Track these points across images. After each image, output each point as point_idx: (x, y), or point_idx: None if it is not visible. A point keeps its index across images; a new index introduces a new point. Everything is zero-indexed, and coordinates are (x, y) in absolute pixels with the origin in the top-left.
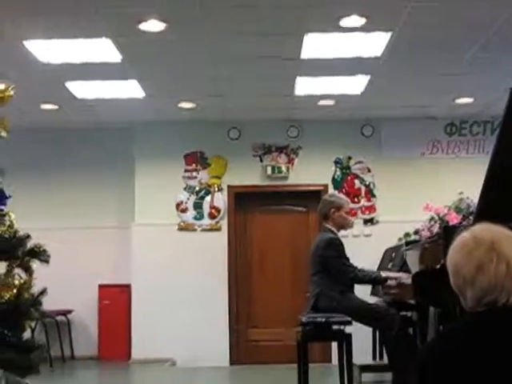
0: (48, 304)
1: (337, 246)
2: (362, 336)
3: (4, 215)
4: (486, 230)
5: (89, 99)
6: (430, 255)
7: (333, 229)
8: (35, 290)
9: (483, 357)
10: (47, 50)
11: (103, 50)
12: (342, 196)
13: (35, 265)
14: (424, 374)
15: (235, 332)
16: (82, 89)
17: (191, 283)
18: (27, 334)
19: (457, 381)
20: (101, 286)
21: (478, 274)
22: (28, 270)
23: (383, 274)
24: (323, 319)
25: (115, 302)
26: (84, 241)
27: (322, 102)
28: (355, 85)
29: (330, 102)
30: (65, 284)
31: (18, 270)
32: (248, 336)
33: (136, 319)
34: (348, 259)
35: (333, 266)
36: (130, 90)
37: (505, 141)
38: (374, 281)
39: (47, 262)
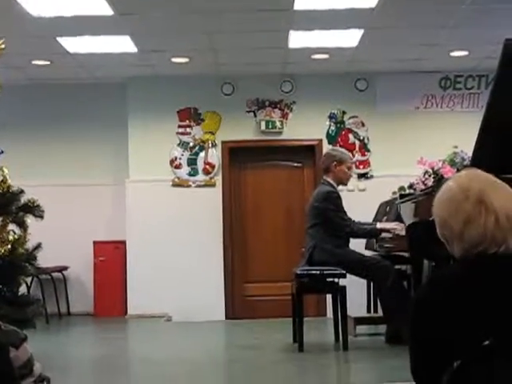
0: (43, 261)
1: (335, 200)
2: (356, 289)
3: None
4: (473, 179)
5: (81, 54)
6: (424, 208)
7: (332, 182)
8: (30, 245)
9: (476, 302)
10: (38, 3)
11: (95, 3)
12: (345, 151)
13: (29, 220)
14: (417, 323)
15: (230, 287)
16: (74, 43)
17: (186, 239)
18: (23, 290)
19: (450, 328)
20: (96, 243)
21: (466, 228)
22: (22, 225)
23: (379, 225)
24: (317, 272)
25: (110, 259)
26: (78, 198)
27: (315, 56)
28: (349, 38)
29: (324, 56)
30: (60, 241)
31: (12, 226)
32: (243, 291)
33: (131, 275)
34: (345, 213)
35: (329, 219)
36: (123, 44)
37: (499, 93)
38: (370, 234)
39: (41, 217)
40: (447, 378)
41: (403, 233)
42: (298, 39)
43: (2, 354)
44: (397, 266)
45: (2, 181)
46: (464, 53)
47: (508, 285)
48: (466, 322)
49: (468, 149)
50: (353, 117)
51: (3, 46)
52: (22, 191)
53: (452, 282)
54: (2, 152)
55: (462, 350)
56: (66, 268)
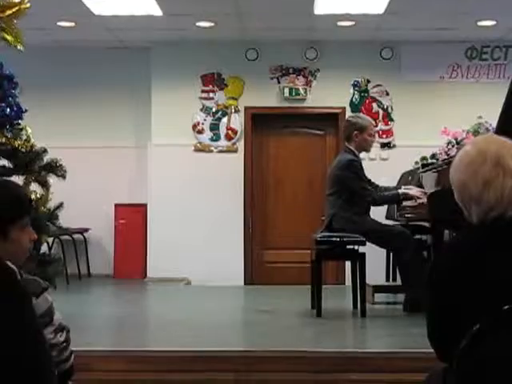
0: (65, 222)
1: (356, 168)
2: (375, 257)
3: (21, 129)
4: (490, 142)
5: (106, 16)
6: (446, 177)
7: (354, 150)
8: (52, 205)
9: (494, 266)
10: None
11: None
12: (366, 117)
13: (52, 180)
14: (435, 288)
15: (250, 253)
16: (99, 5)
17: (207, 204)
18: (44, 250)
19: (468, 293)
20: (117, 206)
21: (485, 190)
22: (45, 185)
23: (401, 190)
24: (337, 238)
25: (131, 222)
26: (100, 160)
27: (341, 23)
28: (375, 5)
29: (350, 23)
30: (81, 203)
31: (34, 185)
32: (263, 257)
33: (152, 239)
34: (367, 181)
35: (350, 187)
36: (148, 7)
37: None
38: (392, 200)
39: (64, 177)
40: (466, 343)
41: (425, 201)
42: (324, 5)
43: (24, 302)
44: (417, 236)
45: (26, 140)
46: (491, 22)
47: None
48: (485, 287)
49: (493, 119)
50: (377, 85)
51: (28, 5)
52: (45, 150)
53: (470, 247)
54: (26, 110)
55: (480, 315)
56: (87, 230)
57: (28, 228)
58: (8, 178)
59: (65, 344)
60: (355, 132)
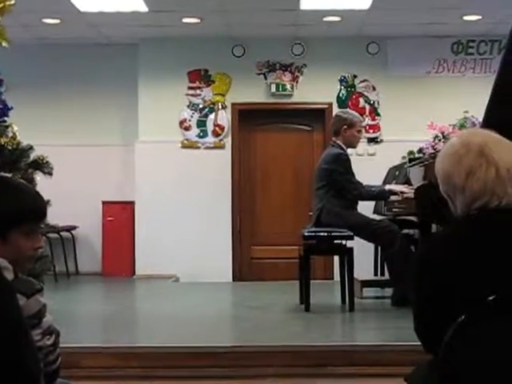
0: (52, 220)
1: (344, 162)
2: (363, 252)
3: (7, 126)
4: (475, 134)
5: (91, 12)
6: (433, 171)
7: (342, 145)
8: None
9: (478, 257)
10: None
11: None
12: (355, 113)
13: (39, 177)
14: (420, 280)
15: (238, 249)
16: (84, 1)
17: (195, 201)
18: None
19: (453, 284)
20: (104, 203)
21: (468, 180)
22: (31, 182)
23: (387, 187)
24: (325, 233)
25: (119, 219)
26: (88, 158)
27: (327, 18)
28: (361, 0)
29: (336, 19)
30: (69, 201)
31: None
32: (251, 253)
33: (140, 236)
34: (354, 176)
35: (338, 180)
36: (134, 3)
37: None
38: (378, 196)
39: (50, 174)
40: (450, 334)
41: (412, 195)
42: (310, 1)
43: (8, 298)
44: (405, 231)
45: (12, 137)
46: (477, 17)
47: (510, 239)
48: (469, 278)
49: (479, 114)
50: (363, 81)
51: (13, 2)
52: (31, 147)
53: (453, 238)
54: (12, 108)
55: (466, 306)
56: (74, 227)
57: (34, 235)
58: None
59: (51, 348)
60: (344, 127)
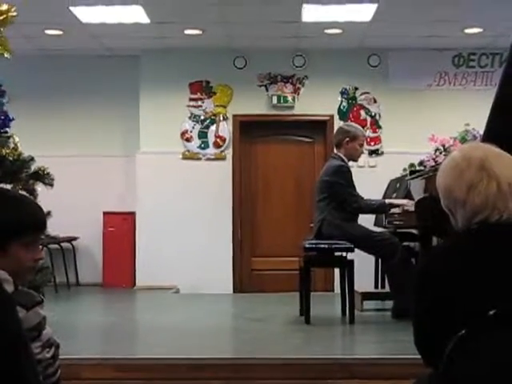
0: (53, 230)
1: (345, 174)
2: (364, 265)
3: (8, 137)
4: (476, 148)
5: (94, 24)
6: (433, 183)
7: (343, 157)
8: None
9: (479, 271)
10: None
11: None
12: (358, 127)
13: (40, 188)
14: (420, 294)
15: (239, 261)
16: (86, 13)
17: (195, 212)
18: None
19: (453, 298)
20: (105, 214)
21: (469, 194)
22: (32, 193)
23: (387, 201)
24: (326, 245)
25: (120, 230)
26: (88, 169)
27: (328, 31)
28: (363, 13)
29: (337, 31)
30: (70, 211)
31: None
32: (251, 265)
33: (140, 247)
34: (355, 188)
35: (338, 193)
36: (135, 15)
37: None
38: (378, 210)
39: (51, 185)
40: (451, 348)
41: (412, 209)
42: (312, 13)
43: (8, 311)
44: (405, 243)
45: (13, 148)
46: (478, 30)
47: (510, 253)
48: (470, 292)
49: (480, 127)
50: (365, 93)
51: (15, 14)
52: (32, 159)
53: (454, 251)
54: (13, 119)
55: (466, 319)
56: (75, 238)
57: (34, 247)
58: None
59: (51, 361)
60: (347, 139)
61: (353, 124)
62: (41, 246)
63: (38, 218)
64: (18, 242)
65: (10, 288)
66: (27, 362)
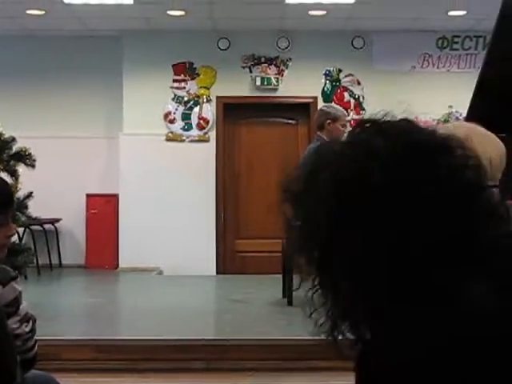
0: (35, 212)
1: None
2: None
3: None
4: (459, 127)
5: (76, 4)
6: None
7: (326, 139)
8: (21, 194)
9: None
10: None
11: None
12: (339, 108)
13: (21, 169)
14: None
15: (222, 243)
16: None
17: (179, 194)
18: (15, 239)
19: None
20: (88, 196)
21: None
22: (14, 174)
23: None
24: None
25: (103, 212)
26: (71, 150)
27: (312, 12)
28: None
29: (321, 12)
30: (52, 193)
31: (3, 174)
32: (235, 247)
33: (123, 229)
34: None
35: None
36: None
37: (495, 51)
38: None
39: (33, 166)
40: None
41: None
42: None
43: None
44: None
45: None
46: (462, 12)
47: None
48: None
49: (463, 109)
50: (348, 75)
51: None
52: (13, 139)
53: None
54: None
55: None
56: (58, 220)
57: (4, 223)
58: None
59: (30, 334)
60: (328, 121)
61: (333, 105)
62: (12, 223)
63: (3, 193)
64: None
65: None
66: (5, 341)
